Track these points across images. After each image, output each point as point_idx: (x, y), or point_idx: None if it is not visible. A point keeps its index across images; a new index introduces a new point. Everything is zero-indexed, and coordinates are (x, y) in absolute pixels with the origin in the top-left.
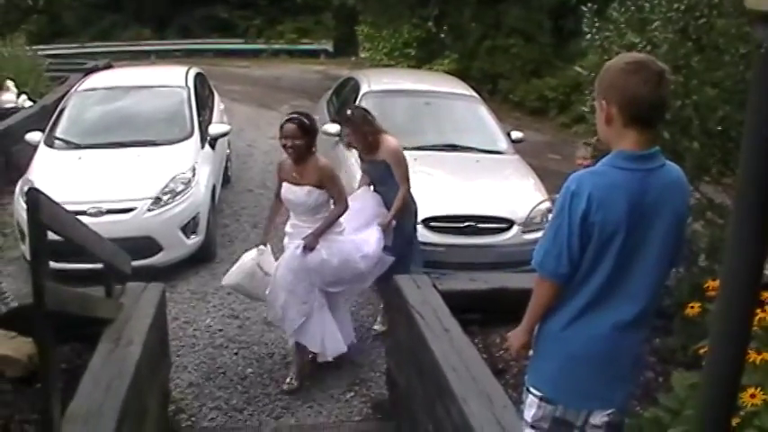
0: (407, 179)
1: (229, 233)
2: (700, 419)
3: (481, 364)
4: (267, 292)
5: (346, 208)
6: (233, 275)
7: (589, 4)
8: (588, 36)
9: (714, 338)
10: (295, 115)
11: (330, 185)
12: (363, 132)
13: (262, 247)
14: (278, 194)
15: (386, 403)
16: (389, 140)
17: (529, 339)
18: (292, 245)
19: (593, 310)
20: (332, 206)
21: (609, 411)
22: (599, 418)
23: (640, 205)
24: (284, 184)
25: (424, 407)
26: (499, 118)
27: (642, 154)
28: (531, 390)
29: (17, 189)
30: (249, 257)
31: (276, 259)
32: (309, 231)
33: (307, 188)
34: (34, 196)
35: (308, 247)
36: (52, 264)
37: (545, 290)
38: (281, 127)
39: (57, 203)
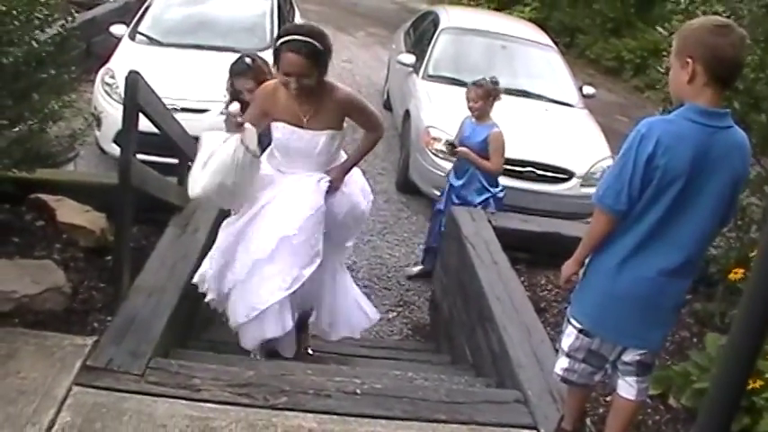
0: None
1: None
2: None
3: (524, 298)
4: (266, 253)
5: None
6: (211, 175)
7: None
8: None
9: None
10: (302, 40)
11: (359, 115)
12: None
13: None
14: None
15: (426, 327)
16: None
17: (578, 270)
18: (310, 179)
19: (642, 253)
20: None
21: (642, 351)
22: (631, 355)
23: (704, 158)
24: (280, 126)
25: (464, 331)
26: (572, 72)
27: (715, 111)
28: (572, 320)
29: (98, 77)
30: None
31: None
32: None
33: (327, 133)
34: (134, 78)
35: (335, 186)
36: None
37: (601, 223)
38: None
39: (152, 90)
